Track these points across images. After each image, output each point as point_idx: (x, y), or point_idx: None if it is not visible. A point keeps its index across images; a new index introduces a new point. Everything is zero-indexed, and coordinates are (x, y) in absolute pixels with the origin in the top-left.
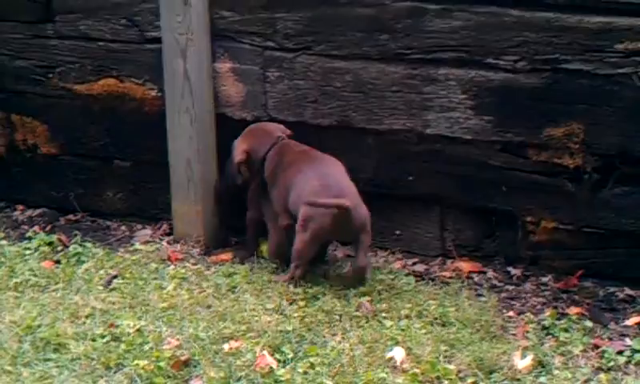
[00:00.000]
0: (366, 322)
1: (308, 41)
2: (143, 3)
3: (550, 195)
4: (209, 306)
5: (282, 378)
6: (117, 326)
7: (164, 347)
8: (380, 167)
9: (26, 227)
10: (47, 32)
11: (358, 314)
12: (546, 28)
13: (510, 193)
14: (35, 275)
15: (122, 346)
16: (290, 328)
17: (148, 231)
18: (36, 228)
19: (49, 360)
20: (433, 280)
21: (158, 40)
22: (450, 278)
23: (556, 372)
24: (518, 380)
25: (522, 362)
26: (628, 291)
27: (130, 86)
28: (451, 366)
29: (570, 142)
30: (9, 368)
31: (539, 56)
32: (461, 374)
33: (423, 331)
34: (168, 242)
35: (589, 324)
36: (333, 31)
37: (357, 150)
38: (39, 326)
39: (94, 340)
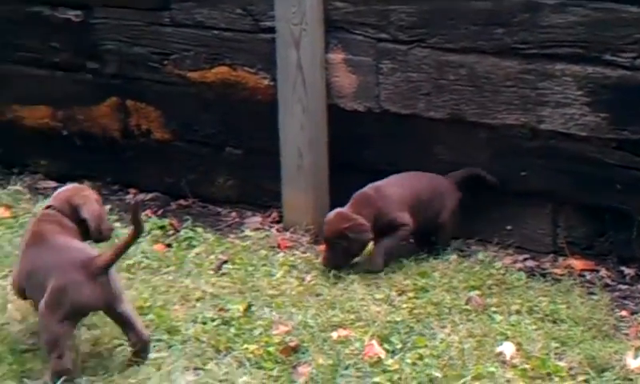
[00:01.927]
0: (476, 316)
1: (422, 33)
2: None
3: None
4: (318, 294)
5: (391, 368)
6: (227, 310)
7: (273, 333)
8: (492, 162)
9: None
10: (163, 20)
11: (467, 307)
12: None
13: (625, 191)
14: (147, 258)
15: (232, 330)
16: (398, 319)
17: (258, 218)
18: (148, 212)
19: (159, 341)
20: (544, 276)
21: (272, 30)
22: (562, 275)
23: None
24: (631, 380)
25: (635, 362)
26: None
27: (243, 75)
28: (562, 364)
29: None
30: (121, 347)
31: None
32: (572, 372)
33: (534, 327)
34: (277, 230)
35: None
36: (447, 24)
37: (469, 144)
38: (150, 308)
39: (204, 323)
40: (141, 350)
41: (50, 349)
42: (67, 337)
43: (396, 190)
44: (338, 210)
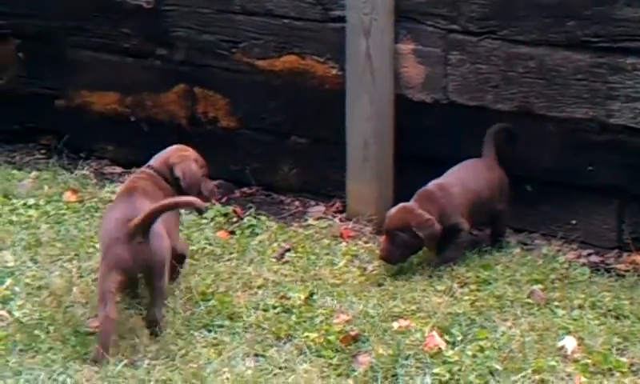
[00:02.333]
0: (538, 310)
1: (492, 25)
2: None
3: None
4: (379, 285)
5: (451, 359)
6: (288, 298)
7: (334, 321)
8: (560, 155)
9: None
10: (233, 7)
11: (529, 301)
12: None
13: None
14: (210, 244)
15: (293, 318)
16: (460, 311)
17: (321, 208)
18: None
19: (221, 327)
20: (608, 272)
21: (342, 19)
22: (626, 270)
23: None
24: None
25: None
26: None
27: (312, 64)
28: (624, 359)
29: None
30: (182, 331)
31: None
32: (633, 368)
33: (596, 322)
34: (340, 220)
35: None
36: (518, 16)
37: (537, 137)
38: (213, 294)
39: (265, 310)
40: (146, 326)
41: (98, 299)
42: (110, 291)
43: (459, 190)
44: (403, 204)
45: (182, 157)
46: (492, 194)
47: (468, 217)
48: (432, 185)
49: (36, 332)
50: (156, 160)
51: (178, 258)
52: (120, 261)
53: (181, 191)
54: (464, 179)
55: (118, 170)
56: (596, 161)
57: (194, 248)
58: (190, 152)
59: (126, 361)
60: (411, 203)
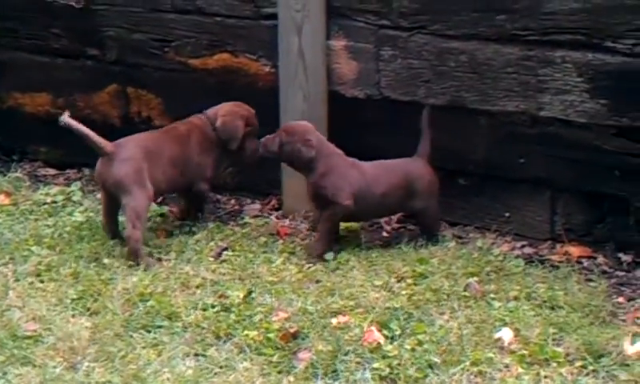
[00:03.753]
0: (474, 303)
1: (423, 20)
2: None
3: None
4: (317, 281)
5: (390, 354)
6: (227, 297)
7: (273, 319)
8: (492, 149)
9: None
10: (164, 6)
11: (466, 294)
12: None
13: (624, 178)
14: (148, 245)
15: (232, 317)
16: (397, 305)
17: (257, 206)
18: None
19: (160, 327)
20: (542, 263)
21: (274, 16)
22: (560, 261)
23: None
24: (628, 365)
25: (632, 348)
26: None
27: (245, 62)
28: (559, 349)
29: None
30: (121, 333)
31: None
32: (569, 358)
33: (532, 313)
34: (277, 217)
35: None
36: (448, 10)
37: (469, 131)
38: (151, 294)
39: (204, 309)
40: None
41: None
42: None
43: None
44: None
45: (229, 111)
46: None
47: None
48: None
49: None
50: (212, 109)
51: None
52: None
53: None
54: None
55: (52, 171)
56: (528, 153)
57: None
58: (241, 109)
59: (65, 364)
60: None
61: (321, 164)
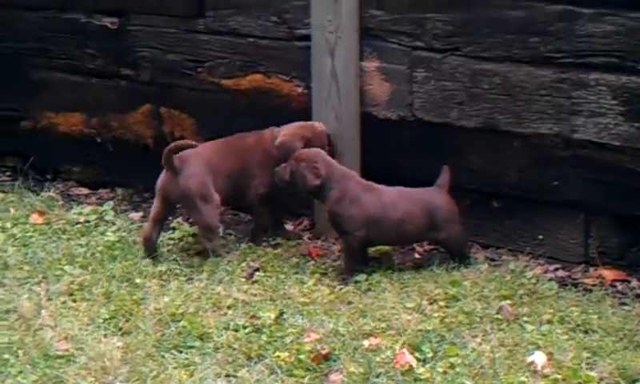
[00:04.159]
0: (507, 326)
1: (457, 42)
2: (294, 1)
3: None
4: (349, 302)
5: (422, 377)
6: (258, 318)
7: (304, 340)
8: (525, 171)
9: (170, 218)
10: (198, 27)
11: (498, 316)
12: None
13: None
14: (180, 265)
15: (264, 338)
16: (429, 327)
17: (289, 226)
18: (180, 219)
19: (192, 347)
20: (575, 286)
21: (307, 37)
22: (593, 285)
23: None
24: None
25: None
26: None
27: (277, 82)
28: (593, 374)
29: None
30: (153, 353)
31: None
32: (603, 382)
33: (565, 337)
34: (309, 238)
35: None
36: (482, 33)
37: (502, 154)
38: (183, 314)
39: (236, 330)
40: None
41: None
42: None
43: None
44: None
45: (291, 131)
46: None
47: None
48: None
49: (5, 356)
50: (284, 126)
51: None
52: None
53: None
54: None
55: (85, 191)
56: (561, 176)
57: (163, 269)
58: (305, 130)
59: (96, 383)
60: None
61: (335, 190)
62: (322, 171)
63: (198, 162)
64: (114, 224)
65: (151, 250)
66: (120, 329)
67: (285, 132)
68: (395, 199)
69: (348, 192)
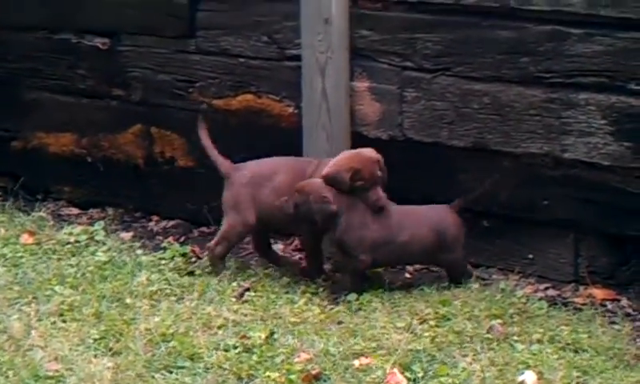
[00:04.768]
0: (497, 345)
1: (447, 62)
2: (284, 21)
3: None
4: (339, 322)
5: None
6: (249, 338)
7: (295, 360)
8: (515, 190)
9: (160, 238)
10: (189, 47)
11: (489, 336)
12: None
13: None
14: (170, 285)
15: (254, 358)
16: (420, 347)
17: (280, 246)
18: (170, 239)
19: (182, 368)
20: (565, 305)
21: (297, 58)
22: (583, 304)
23: None
24: None
25: None
26: None
27: (268, 102)
28: None
29: None
30: (143, 373)
31: None
32: None
33: (555, 356)
34: (300, 258)
35: None
36: (472, 53)
37: (492, 173)
38: (173, 334)
39: (226, 350)
40: None
41: None
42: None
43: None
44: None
45: (338, 162)
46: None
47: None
48: None
49: None
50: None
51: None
52: None
53: None
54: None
55: (75, 211)
56: (551, 195)
57: (154, 289)
58: (353, 161)
59: None
60: None
61: (342, 218)
62: (331, 200)
63: (243, 173)
64: (104, 244)
65: (263, 254)
66: (110, 349)
67: (333, 162)
68: (402, 220)
69: (356, 217)
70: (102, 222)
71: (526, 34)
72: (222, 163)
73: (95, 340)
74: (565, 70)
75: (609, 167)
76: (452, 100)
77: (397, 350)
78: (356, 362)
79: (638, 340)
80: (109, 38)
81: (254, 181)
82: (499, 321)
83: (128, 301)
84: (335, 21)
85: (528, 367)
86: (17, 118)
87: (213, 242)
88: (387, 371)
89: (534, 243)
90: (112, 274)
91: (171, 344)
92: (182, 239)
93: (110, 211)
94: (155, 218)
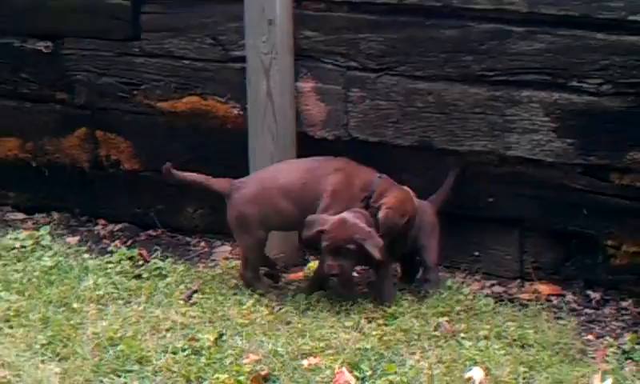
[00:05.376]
0: (445, 342)
1: (391, 61)
2: (228, 23)
3: (632, 219)
4: (288, 323)
5: None
6: (197, 340)
7: (244, 362)
8: (461, 188)
9: (107, 242)
10: (133, 50)
11: (436, 333)
12: (630, 51)
13: (591, 216)
14: (118, 289)
15: (203, 360)
16: (368, 346)
17: (227, 247)
18: (117, 242)
19: (130, 371)
20: (511, 302)
21: (242, 59)
22: (529, 300)
23: None
24: None
25: None
26: None
27: (213, 104)
28: None
29: None
30: (91, 378)
31: (623, 79)
32: None
33: (502, 352)
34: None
35: None
36: (416, 52)
37: (437, 171)
38: (121, 338)
39: (174, 353)
40: None
41: None
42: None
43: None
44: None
45: (395, 205)
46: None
47: None
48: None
49: None
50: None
51: None
52: None
53: None
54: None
55: (21, 216)
56: (496, 192)
57: (101, 293)
58: (409, 205)
59: None
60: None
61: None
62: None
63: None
64: (50, 249)
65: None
66: (58, 354)
67: (388, 205)
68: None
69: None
70: (47, 227)
71: (468, 33)
72: (217, 183)
73: (42, 345)
74: (508, 68)
75: (552, 164)
76: (397, 99)
77: (345, 349)
78: (305, 362)
79: (583, 334)
80: (52, 41)
81: (259, 196)
82: (446, 318)
83: (75, 305)
84: (279, 22)
85: (475, 363)
86: None
87: (241, 270)
88: (336, 370)
89: (480, 240)
90: (58, 279)
91: (119, 348)
92: (129, 242)
93: (56, 216)
94: (102, 221)
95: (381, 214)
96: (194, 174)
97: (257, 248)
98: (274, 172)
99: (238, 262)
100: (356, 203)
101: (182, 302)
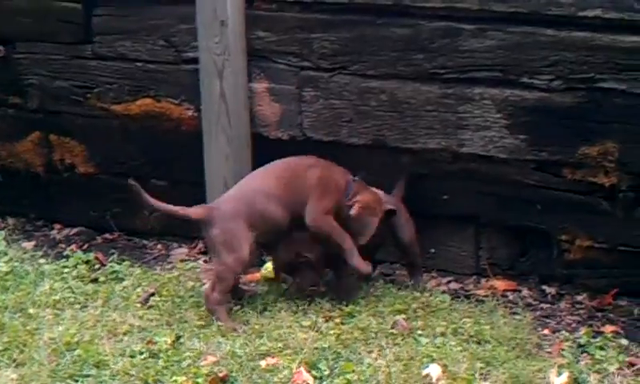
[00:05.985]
0: (402, 340)
1: (344, 60)
2: (181, 24)
3: (585, 214)
4: (245, 323)
5: None
6: (155, 343)
7: (201, 364)
8: (414, 186)
9: (63, 246)
10: (86, 53)
11: (393, 331)
12: (580, 47)
13: (545, 211)
14: (74, 293)
15: (160, 363)
16: (326, 345)
17: (184, 250)
18: (73, 247)
19: (88, 376)
20: (468, 298)
21: (195, 60)
22: (485, 296)
23: None
24: None
25: (558, 380)
26: None
27: (167, 106)
28: (487, 383)
29: (604, 160)
30: (48, 383)
31: (574, 75)
32: None
33: (459, 349)
34: (204, 261)
35: (624, 342)
36: (368, 51)
37: (391, 169)
38: (78, 343)
39: (132, 356)
40: None
41: None
42: None
43: None
44: None
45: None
46: None
47: None
48: None
49: None
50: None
51: None
52: None
53: None
54: None
55: None
56: (451, 189)
57: (57, 298)
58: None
59: None
60: None
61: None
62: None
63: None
64: (5, 254)
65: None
66: (14, 360)
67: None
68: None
69: None
70: (2, 232)
71: (419, 31)
72: (194, 213)
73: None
74: (459, 65)
75: (505, 160)
76: (350, 98)
77: (303, 348)
78: (262, 363)
79: (539, 329)
80: (3, 45)
81: (242, 208)
82: (403, 316)
83: (31, 311)
84: (231, 23)
85: (432, 360)
86: None
87: (207, 290)
88: (294, 370)
89: (435, 237)
90: (14, 285)
91: (76, 352)
92: (85, 247)
93: (11, 221)
94: (57, 226)
95: (353, 211)
96: (169, 206)
97: (238, 268)
98: (250, 181)
99: (195, 263)
100: (342, 196)
101: (139, 305)
